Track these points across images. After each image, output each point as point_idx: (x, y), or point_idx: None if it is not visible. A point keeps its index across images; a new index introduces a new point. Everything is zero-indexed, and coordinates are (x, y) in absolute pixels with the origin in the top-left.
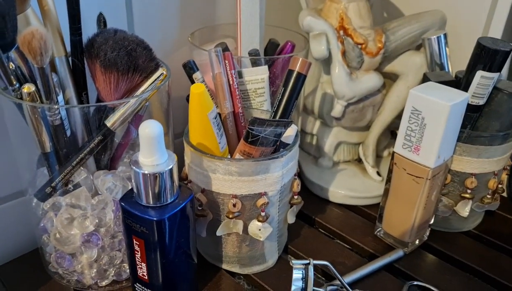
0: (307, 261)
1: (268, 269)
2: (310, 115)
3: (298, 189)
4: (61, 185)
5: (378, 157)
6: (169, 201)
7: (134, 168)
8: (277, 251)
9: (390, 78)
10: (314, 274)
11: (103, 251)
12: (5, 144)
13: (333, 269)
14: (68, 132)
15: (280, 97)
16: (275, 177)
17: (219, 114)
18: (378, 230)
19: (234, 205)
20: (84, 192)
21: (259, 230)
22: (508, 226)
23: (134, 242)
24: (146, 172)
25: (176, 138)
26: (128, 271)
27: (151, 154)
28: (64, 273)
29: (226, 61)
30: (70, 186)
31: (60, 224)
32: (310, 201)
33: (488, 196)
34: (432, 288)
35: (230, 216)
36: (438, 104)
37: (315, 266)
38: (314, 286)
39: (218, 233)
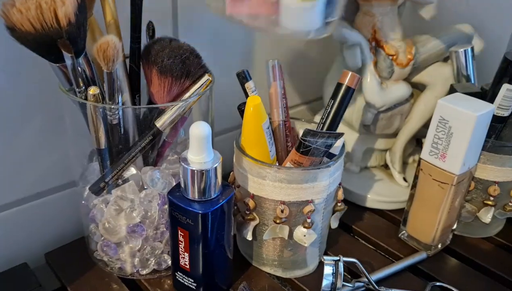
0: (337, 258)
1: (309, 274)
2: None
3: (342, 197)
4: (114, 179)
5: (404, 164)
6: (213, 196)
7: (183, 164)
8: (318, 256)
9: (418, 88)
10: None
11: (146, 242)
12: (60, 138)
13: (360, 266)
14: (121, 131)
15: (329, 109)
16: (322, 186)
17: (271, 123)
18: (402, 232)
19: (282, 211)
20: (133, 186)
21: (304, 236)
22: None
23: (179, 233)
24: (194, 169)
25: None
26: (168, 261)
27: (200, 152)
28: (109, 261)
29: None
30: (120, 181)
31: (110, 214)
32: None
33: (510, 204)
34: (454, 289)
35: (277, 221)
36: (465, 114)
37: (344, 262)
38: (343, 281)
39: (265, 237)
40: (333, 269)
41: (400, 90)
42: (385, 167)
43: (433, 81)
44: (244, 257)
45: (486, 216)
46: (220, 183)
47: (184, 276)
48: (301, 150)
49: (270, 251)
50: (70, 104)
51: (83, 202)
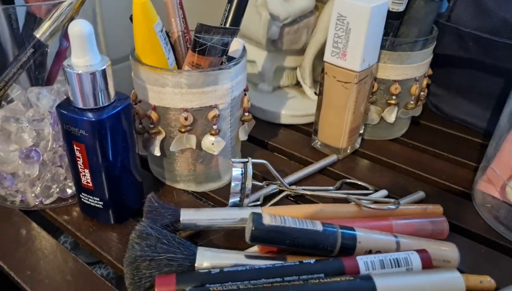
0: (246, 160)
1: (224, 186)
2: (247, 41)
3: (249, 105)
4: None
5: (315, 82)
6: (105, 104)
7: (67, 69)
8: (231, 168)
9: (322, 1)
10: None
11: (45, 167)
12: None
13: (270, 166)
14: None
15: (226, 13)
16: (224, 89)
17: (168, 34)
18: (315, 142)
19: (185, 118)
20: (19, 105)
21: (212, 144)
22: (431, 133)
23: (75, 148)
24: (79, 72)
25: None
26: (72, 187)
27: (83, 54)
28: (7, 194)
29: None
30: (4, 102)
31: None
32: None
33: (411, 102)
34: (362, 183)
35: (183, 130)
36: (360, 7)
37: (254, 164)
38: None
39: (172, 148)
40: (242, 171)
41: (304, 1)
42: (298, 85)
43: None
44: (157, 179)
45: (391, 115)
46: (112, 90)
47: (89, 196)
48: (197, 49)
49: (183, 166)
50: None
51: None
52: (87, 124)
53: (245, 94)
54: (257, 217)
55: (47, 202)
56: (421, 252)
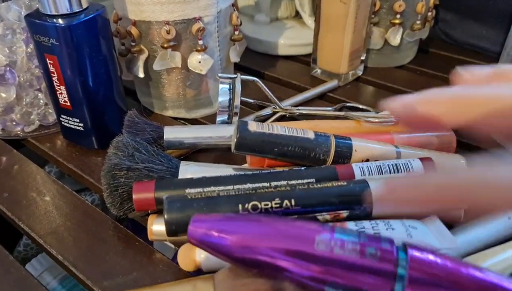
0: (234, 76)
1: (216, 112)
2: None
3: (238, 22)
4: None
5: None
6: (77, 9)
7: None
8: None
9: None
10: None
11: (23, 90)
12: None
13: (261, 83)
14: None
15: None
16: None
17: None
18: (314, 70)
19: (167, 32)
20: None
21: (199, 62)
22: (441, 60)
23: (48, 61)
24: None
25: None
26: (54, 114)
27: None
28: None
29: None
30: None
31: None
32: (248, 54)
33: (418, 22)
34: (363, 107)
35: (166, 46)
36: None
37: (246, 82)
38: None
39: (155, 66)
40: (230, 86)
41: None
42: (297, 16)
43: None
44: (146, 109)
45: (395, 37)
46: None
47: (68, 118)
48: None
49: (170, 90)
50: None
51: None
52: (58, 31)
53: (234, 10)
54: (242, 124)
55: (29, 129)
56: (424, 159)
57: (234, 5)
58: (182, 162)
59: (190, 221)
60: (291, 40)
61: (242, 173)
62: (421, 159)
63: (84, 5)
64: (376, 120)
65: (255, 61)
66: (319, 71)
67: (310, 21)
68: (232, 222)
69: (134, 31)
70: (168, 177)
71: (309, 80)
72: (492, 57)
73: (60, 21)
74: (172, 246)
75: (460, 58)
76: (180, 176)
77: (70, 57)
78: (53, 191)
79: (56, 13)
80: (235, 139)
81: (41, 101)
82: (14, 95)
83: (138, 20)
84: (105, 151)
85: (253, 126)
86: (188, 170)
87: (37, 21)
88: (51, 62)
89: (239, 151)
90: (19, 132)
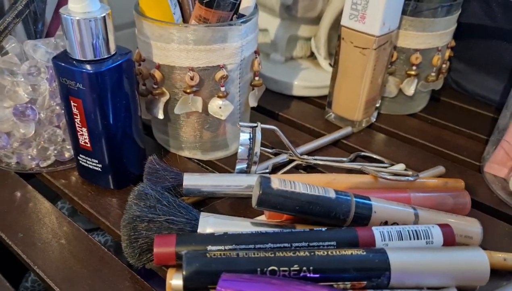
0: (255, 124)
1: (231, 155)
2: (261, 9)
3: (260, 68)
4: None
5: (330, 55)
6: (105, 56)
7: (64, 15)
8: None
9: None
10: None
11: (42, 127)
12: None
13: (280, 132)
14: None
15: None
16: (233, 48)
17: None
18: (328, 114)
19: (191, 78)
20: (14, 58)
21: (220, 107)
22: (451, 109)
23: (72, 103)
24: (77, 18)
25: (119, 30)
26: (71, 150)
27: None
28: (2, 155)
29: None
30: None
31: None
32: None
33: (433, 74)
34: (378, 157)
35: (188, 91)
36: None
37: (263, 131)
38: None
39: (176, 110)
40: (250, 135)
41: None
42: (312, 56)
43: None
44: (162, 147)
45: (410, 88)
46: (113, 42)
47: (87, 158)
48: (204, 1)
49: (188, 132)
50: None
51: None
52: (85, 76)
53: (256, 57)
54: (265, 180)
55: (44, 165)
56: (444, 226)
57: (256, 51)
58: (201, 213)
59: (219, 280)
60: (306, 82)
61: (263, 230)
62: (440, 226)
63: (112, 52)
64: (393, 177)
65: (270, 101)
66: (333, 116)
67: (324, 63)
68: (258, 285)
69: (157, 74)
70: (188, 229)
71: (323, 124)
72: (501, 110)
73: (88, 67)
74: None
75: (470, 109)
76: (200, 228)
77: (95, 101)
78: (69, 234)
79: (84, 59)
80: (257, 195)
81: (59, 138)
82: (33, 132)
83: (162, 64)
84: (121, 192)
85: (276, 183)
86: (208, 222)
87: (64, 65)
88: (75, 104)
89: (260, 206)
90: (34, 166)
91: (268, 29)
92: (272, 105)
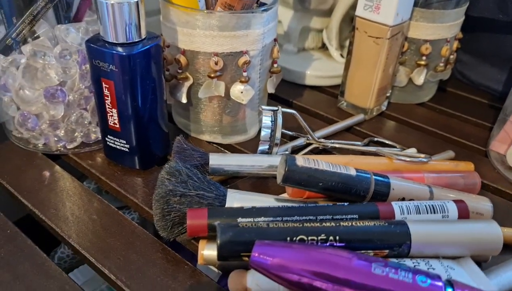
0: (275, 108)
1: (250, 139)
2: None
3: (278, 56)
4: (22, 37)
5: (341, 47)
6: (136, 39)
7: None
8: (257, 122)
9: None
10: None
11: (70, 109)
12: None
13: (299, 116)
14: None
15: None
16: (256, 34)
17: None
18: (341, 103)
19: (216, 63)
20: (46, 41)
21: (241, 92)
22: (458, 99)
23: (104, 85)
24: (112, 2)
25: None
26: (97, 133)
27: None
28: (30, 137)
29: None
30: (30, 39)
31: (22, 76)
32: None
33: (441, 64)
34: (389, 142)
35: (212, 75)
36: None
37: (283, 113)
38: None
39: (200, 94)
40: (272, 118)
41: None
42: (323, 48)
43: None
44: (182, 131)
45: (419, 77)
46: (144, 27)
47: (115, 139)
48: None
49: (209, 116)
50: None
51: None
52: (118, 58)
53: (275, 44)
54: (290, 158)
55: (71, 146)
56: (458, 201)
57: (276, 39)
58: (228, 190)
59: (254, 246)
60: (318, 71)
61: (289, 205)
62: (455, 201)
63: (143, 36)
64: (408, 159)
65: (284, 90)
66: (345, 104)
67: (336, 54)
68: (291, 250)
69: (182, 60)
70: (217, 204)
71: (336, 112)
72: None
73: (120, 49)
74: (216, 270)
75: (475, 99)
76: (228, 203)
77: (125, 83)
78: (100, 210)
79: (117, 42)
80: (283, 173)
81: (86, 120)
82: (62, 113)
83: (187, 50)
84: (146, 172)
85: (300, 161)
86: (235, 197)
87: (97, 47)
88: (107, 86)
89: (285, 183)
90: (61, 148)
91: (281, 21)
92: (286, 93)
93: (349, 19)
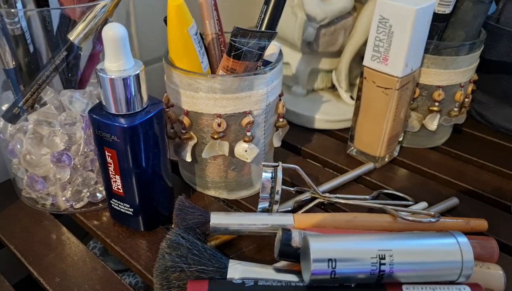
0: (276, 164)
1: (256, 194)
2: (281, 43)
3: (283, 111)
4: (29, 104)
5: (351, 85)
6: (138, 109)
7: (100, 74)
8: None
9: (361, 2)
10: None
11: (76, 171)
12: None
13: (301, 171)
14: (31, 48)
15: (262, 15)
16: (259, 95)
17: (201, 36)
18: (350, 149)
19: (219, 125)
20: (52, 108)
21: (245, 151)
22: (474, 141)
23: (106, 153)
24: (112, 77)
25: (149, 64)
26: (103, 192)
27: (116, 58)
28: (38, 197)
29: None
30: (37, 105)
31: (29, 143)
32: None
33: (455, 109)
34: (400, 194)
35: (215, 137)
36: (405, 9)
37: (285, 170)
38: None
39: (204, 155)
40: (272, 175)
41: (342, 1)
42: (333, 88)
43: None
44: (188, 184)
45: (432, 123)
46: (145, 95)
47: (119, 202)
48: (232, 54)
49: (214, 172)
50: None
51: (0, 135)
52: (119, 130)
53: (280, 100)
54: (285, 236)
55: (78, 206)
56: (474, 286)
57: (280, 94)
58: (230, 260)
59: None
60: (327, 115)
61: (293, 284)
62: (470, 285)
63: (144, 104)
64: (413, 218)
65: (292, 134)
66: (355, 151)
67: (345, 96)
68: None
69: (186, 120)
70: (218, 277)
71: (345, 159)
72: None
73: (122, 121)
74: None
75: (493, 141)
76: (229, 275)
77: (128, 152)
78: (103, 277)
79: (118, 113)
80: (278, 251)
81: (92, 181)
82: (68, 176)
83: (191, 111)
84: (151, 233)
85: (296, 242)
86: (236, 269)
87: (100, 118)
88: (110, 154)
89: (281, 259)
90: (68, 207)
91: (289, 63)
92: (294, 139)
93: (359, 58)
